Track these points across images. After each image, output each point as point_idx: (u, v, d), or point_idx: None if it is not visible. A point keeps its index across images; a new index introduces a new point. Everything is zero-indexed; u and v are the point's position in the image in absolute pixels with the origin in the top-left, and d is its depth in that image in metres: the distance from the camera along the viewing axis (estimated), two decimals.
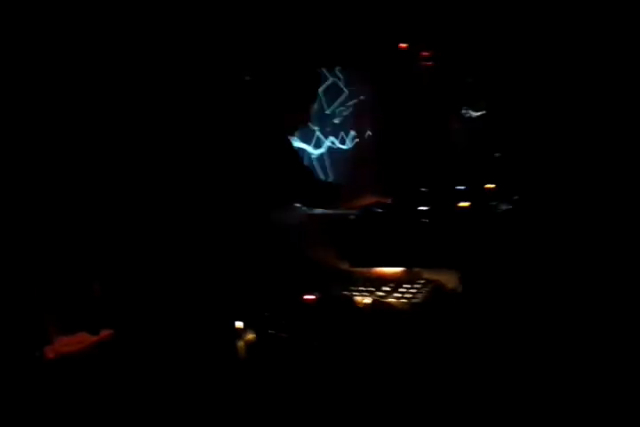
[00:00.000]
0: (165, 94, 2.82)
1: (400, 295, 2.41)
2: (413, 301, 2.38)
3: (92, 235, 2.57)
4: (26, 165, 2.39)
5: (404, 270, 2.56)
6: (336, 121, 3.88)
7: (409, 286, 2.50)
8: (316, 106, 3.25)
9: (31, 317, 2.27)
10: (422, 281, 2.56)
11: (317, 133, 3.62)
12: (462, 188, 2.83)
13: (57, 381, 2.17)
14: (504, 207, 2.64)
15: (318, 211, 2.66)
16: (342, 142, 3.78)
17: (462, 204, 2.69)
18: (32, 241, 2.36)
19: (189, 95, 2.82)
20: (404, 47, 4.24)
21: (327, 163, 3.50)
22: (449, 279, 2.52)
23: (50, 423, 2.04)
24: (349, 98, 3.91)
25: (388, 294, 2.44)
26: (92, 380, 2.18)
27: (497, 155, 3.04)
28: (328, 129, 3.74)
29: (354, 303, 2.34)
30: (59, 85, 2.48)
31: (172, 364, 2.18)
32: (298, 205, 2.63)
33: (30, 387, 2.10)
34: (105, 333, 2.35)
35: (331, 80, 3.90)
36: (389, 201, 2.79)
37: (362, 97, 3.90)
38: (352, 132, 3.84)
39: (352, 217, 2.64)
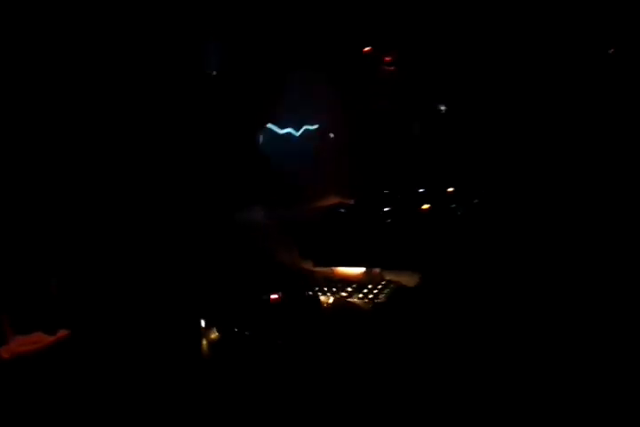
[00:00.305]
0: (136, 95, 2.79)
1: (363, 295, 2.45)
2: (376, 301, 2.43)
3: (50, 230, 2.52)
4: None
5: (366, 271, 2.60)
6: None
7: (371, 286, 2.56)
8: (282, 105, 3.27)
9: None
10: (384, 282, 2.62)
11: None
12: (423, 190, 2.91)
13: (12, 381, 2.12)
14: (463, 210, 2.73)
15: (281, 211, 2.68)
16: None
17: (423, 206, 2.76)
18: None
19: (158, 94, 2.80)
20: (367, 51, 4.29)
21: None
22: (410, 280, 2.58)
23: (3, 424, 1.99)
24: (312, 98, 3.95)
25: (351, 293, 2.49)
26: (48, 381, 2.14)
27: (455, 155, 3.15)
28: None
29: (318, 303, 2.37)
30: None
31: (132, 363, 2.15)
32: (261, 205, 2.65)
33: None
34: (62, 333, 2.31)
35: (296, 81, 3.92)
36: (352, 202, 2.84)
37: (324, 98, 3.95)
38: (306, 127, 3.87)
39: (315, 217, 2.67)
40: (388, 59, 4.55)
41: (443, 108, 3.92)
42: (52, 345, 2.29)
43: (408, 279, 2.59)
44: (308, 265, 2.56)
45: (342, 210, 2.78)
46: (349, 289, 2.52)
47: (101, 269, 2.51)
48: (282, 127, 3.43)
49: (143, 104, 2.73)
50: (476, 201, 2.76)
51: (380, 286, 2.57)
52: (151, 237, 2.44)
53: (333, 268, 2.57)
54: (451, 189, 2.85)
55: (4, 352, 2.23)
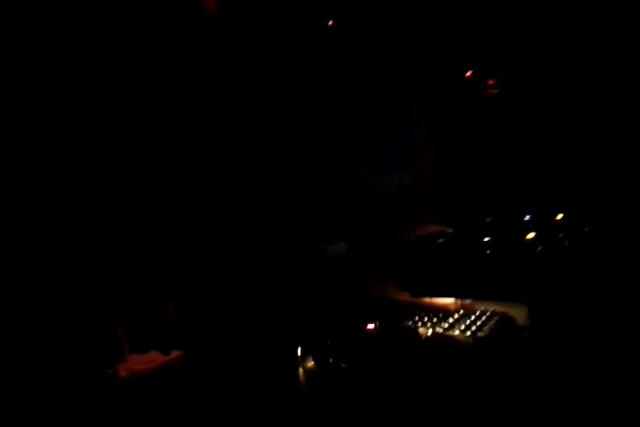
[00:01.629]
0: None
1: (464, 328, 2.36)
2: (478, 335, 2.32)
3: (170, 256, 2.68)
4: (86, 188, 2.52)
5: (466, 302, 2.51)
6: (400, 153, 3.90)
7: (473, 318, 2.45)
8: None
9: (105, 334, 2.38)
10: (487, 314, 2.50)
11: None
12: (528, 218, 2.76)
13: (128, 398, 2.25)
14: (573, 239, 2.55)
15: (381, 240, 2.67)
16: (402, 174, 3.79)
17: (529, 235, 2.62)
18: (107, 258, 2.49)
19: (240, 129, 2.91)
20: (469, 76, 4.22)
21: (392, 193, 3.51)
22: (516, 313, 2.44)
23: None
24: (412, 129, 3.94)
25: (452, 326, 2.40)
26: (161, 399, 2.25)
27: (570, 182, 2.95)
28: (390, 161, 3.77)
29: (416, 335, 2.31)
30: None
31: (235, 388, 2.22)
32: (361, 234, 2.67)
33: (102, 403, 2.19)
34: (175, 353, 2.44)
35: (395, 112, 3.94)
36: (451, 231, 2.76)
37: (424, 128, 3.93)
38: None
39: (414, 246, 2.63)
40: (491, 82, 4.45)
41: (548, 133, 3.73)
42: (165, 365, 2.42)
43: (515, 312, 2.46)
44: (405, 295, 2.52)
45: (441, 240, 2.71)
46: (450, 321, 2.43)
47: (214, 296, 2.64)
48: (383, 156, 3.47)
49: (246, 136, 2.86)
50: (587, 229, 2.56)
51: (483, 319, 2.46)
52: (257, 269, 2.53)
53: (429, 298, 2.50)
54: (559, 217, 2.68)
55: (122, 370, 2.38)
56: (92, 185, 2.45)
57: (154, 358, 2.41)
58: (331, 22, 3.53)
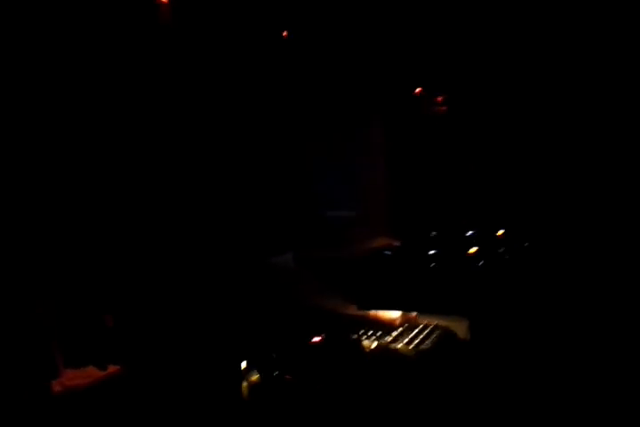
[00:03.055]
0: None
1: (407, 341, 2.39)
2: (421, 347, 2.36)
3: (107, 267, 2.61)
4: (44, 194, 2.45)
5: (411, 315, 2.55)
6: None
7: (416, 331, 2.49)
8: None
9: (40, 348, 2.29)
10: (430, 327, 2.55)
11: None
12: (472, 233, 2.84)
13: (63, 414, 2.16)
14: (513, 254, 2.64)
15: (327, 253, 2.69)
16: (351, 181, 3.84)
17: (471, 250, 2.70)
18: (43, 270, 2.40)
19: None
20: (418, 92, 4.34)
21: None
22: (458, 327, 2.50)
23: None
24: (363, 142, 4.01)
25: (395, 339, 2.43)
26: (97, 415, 2.18)
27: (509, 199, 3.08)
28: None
29: (360, 347, 2.33)
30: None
31: (176, 404, 2.17)
32: (306, 248, 2.67)
33: (37, 420, 2.11)
34: (113, 368, 2.36)
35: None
36: (398, 244, 2.81)
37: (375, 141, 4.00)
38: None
39: (360, 259, 2.66)
40: (439, 99, 4.59)
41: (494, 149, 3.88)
42: (102, 380, 2.33)
43: (456, 325, 2.51)
44: (351, 308, 2.54)
45: (388, 253, 2.76)
46: (395, 333, 2.46)
47: (154, 308, 2.57)
48: (328, 170, 3.50)
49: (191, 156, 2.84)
50: (527, 244, 2.67)
51: (426, 332, 2.50)
52: (200, 280, 2.49)
53: (374, 311, 2.52)
54: (501, 232, 2.78)
55: (57, 385, 2.29)
56: (19, 197, 2.37)
57: (90, 373, 2.33)
58: (285, 33, 3.56)
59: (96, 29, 2.59)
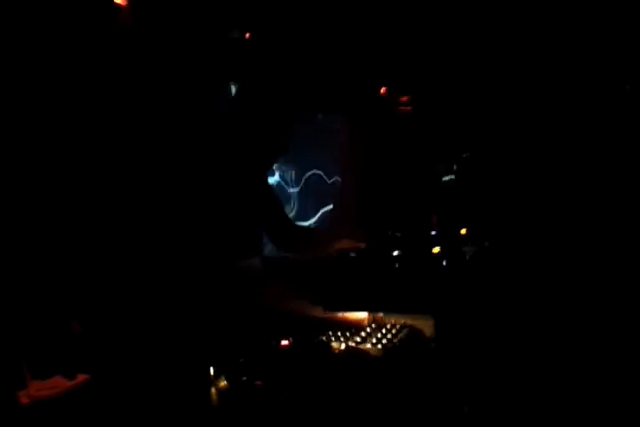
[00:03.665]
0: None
1: (375, 341, 2.43)
2: (389, 347, 2.40)
3: (72, 271, 2.58)
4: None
5: (378, 315, 2.59)
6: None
7: (384, 331, 2.53)
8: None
9: (4, 359, 2.26)
10: (398, 326, 2.60)
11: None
12: (435, 233, 2.90)
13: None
14: (474, 252, 2.71)
15: (292, 255, 2.71)
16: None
17: (434, 249, 2.75)
18: (6, 275, 2.36)
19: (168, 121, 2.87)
20: (383, 92, 4.39)
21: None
22: (424, 325, 2.55)
23: None
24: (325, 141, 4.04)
25: (364, 339, 2.47)
26: (67, 426, 2.16)
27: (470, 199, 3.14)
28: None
29: (329, 349, 2.36)
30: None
31: (145, 411, 2.17)
32: (270, 250, 2.69)
33: None
34: (81, 377, 2.34)
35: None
36: (363, 245, 2.84)
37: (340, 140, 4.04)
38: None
39: (325, 262, 2.69)
40: (404, 99, 4.65)
41: (462, 152, 3.95)
42: (70, 390, 2.31)
43: (422, 323, 2.56)
44: (318, 311, 2.57)
45: (352, 254, 2.79)
46: (362, 335, 2.50)
47: (120, 316, 2.56)
48: (288, 170, 3.52)
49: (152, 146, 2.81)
50: (487, 244, 2.74)
51: (394, 331, 2.55)
52: (164, 285, 2.49)
53: (342, 313, 2.56)
54: (463, 231, 2.84)
55: (24, 398, 2.25)
56: None
57: (58, 384, 2.30)
58: (248, 35, 3.56)
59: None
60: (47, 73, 2.55)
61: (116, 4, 2.70)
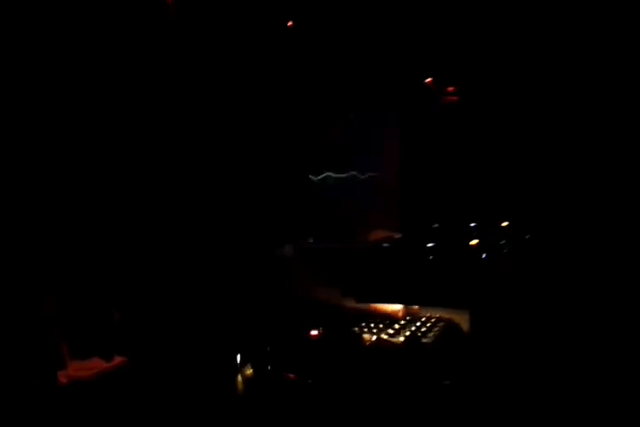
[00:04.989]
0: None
1: (409, 334, 2.36)
2: (423, 341, 2.33)
3: (114, 260, 2.64)
4: (50, 191, 2.48)
5: (413, 308, 2.52)
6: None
7: (418, 324, 2.46)
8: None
9: (46, 340, 2.32)
10: (433, 320, 2.52)
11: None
12: (474, 225, 2.79)
13: (68, 406, 2.20)
14: (514, 246, 2.58)
15: (327, 246, 2.67)
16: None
17: (472, 241, 2.65)
18: (50, 262, 2.44)
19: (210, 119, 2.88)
20: (429, 83, 4.26)
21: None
22: (461, 319, 2.46)
23: None
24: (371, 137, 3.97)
25: (397, 332, 2.40)
26: (102, 405, 2.21)
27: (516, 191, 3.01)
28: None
29: (359, 341, 2.31)
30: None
31: (174, 395, 2.19)
32: (303, 241, 2.66)
33: (42, 411, 2.14)
34: (118, 359, 2.39)
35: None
36: (399, 236, 2.77)
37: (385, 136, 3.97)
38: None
39: (359, 252, 2.63)
40: (450, 89, 4.50)
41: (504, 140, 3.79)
42: (107, 372, 2.36)
43: (459, 318, 2.47)
44: (350, 301, 2.52)
45: (386, 245, 2.72)
46: (396, 326, 2.44)
47: (157, 303, 2.60)
48: (330, 163, 3.47)
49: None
50: (528, 236, 2.60)
51: (428, 325, 2.47)
52: (200, 274, 2.50)
53: (374, 304, 2.50)
54: (505, 224, 2.72)
55: (62, 377, 2.32)
56: (33, 192, 2.40)
57: (95, 365, 2.36)
58: (290, 23, 3.53)
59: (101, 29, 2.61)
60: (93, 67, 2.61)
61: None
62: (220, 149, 2.78)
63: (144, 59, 2.71)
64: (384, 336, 2.36)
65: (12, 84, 2.32)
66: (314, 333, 2.27)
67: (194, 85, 2.87)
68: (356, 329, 2.41)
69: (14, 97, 2.32)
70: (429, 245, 2.65)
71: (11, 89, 2.31)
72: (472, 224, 2.81)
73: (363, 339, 2.34)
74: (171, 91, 2.81)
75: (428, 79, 4.28)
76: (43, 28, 2.40)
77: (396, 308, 2.53)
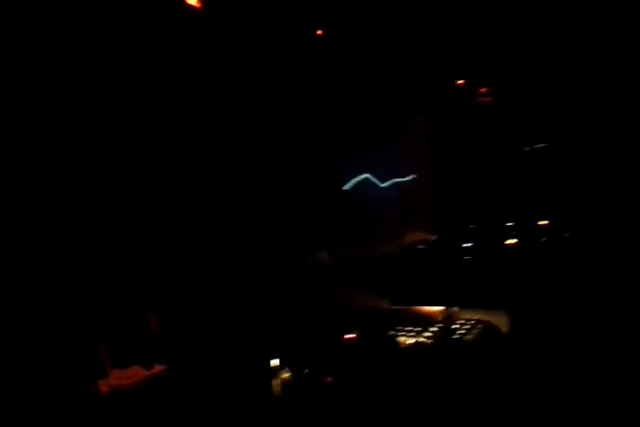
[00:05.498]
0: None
1: (446, 336, 2.31)
2: (461, 343, 2.28)
3: (152, 270, 2.67)
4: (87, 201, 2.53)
5: (445, 310, 2.46)
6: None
7: (457, 326, 2.41)
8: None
9: (87, 349, 2.36)
10: (472, 322, 2.46)
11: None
12: (511, 224, 2.72)
13: (109, 415, 2.22)
14: (553, 244, 2.50)
15: (363, 249, 2.64)
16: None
17: (510, 241, 2.57)
18: (91, 273, 2.48)
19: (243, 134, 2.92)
20: (461, 84, 4.21)
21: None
22: (500, 321, 2.39)
23: None
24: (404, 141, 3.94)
25: (435, 335, 2.35)
26: (143, 414, 2.22)
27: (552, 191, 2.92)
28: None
29: (397, 344, 2.27)
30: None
31: (213, 401, 2.19)
32: (340, 244, 2.64)
33: (84, 420, 2.17)
34: (158, 368, 2.41)
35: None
36: (434, 238, 2.72)
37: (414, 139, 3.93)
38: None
39: (394, 255, 2.59)
40: (483, 90, 4.43)
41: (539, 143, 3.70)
42: (147, 380, 2.38)
43: (498, 320, 2.41)
44: (386, 304, 2.48)
45: (422, 247, 2.67)
46: (434, 329, 2.39)
47: (195, 311, 2.61)
48: (367, 166, 3.46)
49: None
50: (567, 234, 2.52)
51: (467, 327, 2.41)
52: (236, 280, 2.51)
53: (412, 307, 2.45)
54: (544, 222, 2.64)
55: (103, 386, 2.35)
56: (68, 205, 2.46)
57: (136, 373, 2.38)
58: (320, 32, 3.55)
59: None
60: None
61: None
62: (255, 158, 2.81)
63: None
64: (421, 339, 2.31)
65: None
66: (350, 336, 2.24)
67: (229, 100, 2.91)
68: (394, 332, 2.37)
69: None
70: (466, 245, 2.59)
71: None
72: (509, 224, 2.74)
73: (400, 342, 2.30)
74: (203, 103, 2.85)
75: (460, 81, 4.24)
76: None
77: (435, 310, 2.47)
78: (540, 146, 3.46)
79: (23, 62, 2.41)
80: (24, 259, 2.31)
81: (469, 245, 2.62)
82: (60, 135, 2.45)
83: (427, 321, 2.39)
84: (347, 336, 2.23)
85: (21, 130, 2.36)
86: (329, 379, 2.04)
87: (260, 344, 2.26)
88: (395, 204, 3.29)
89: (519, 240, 2.59)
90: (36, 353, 2.25)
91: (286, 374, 2.06)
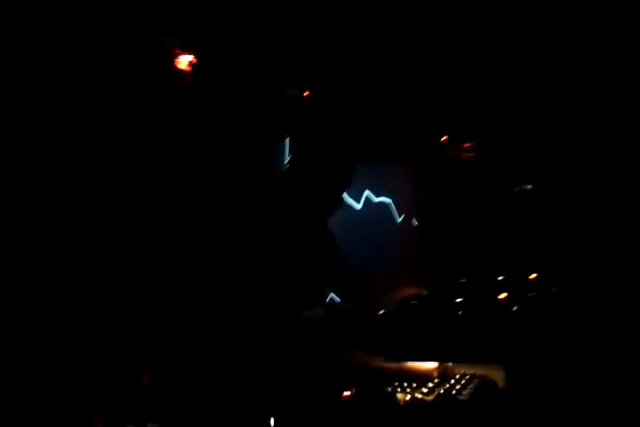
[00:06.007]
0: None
1: (444, 392, 2.32)
2: (459, 398, 2.28)
3: (144, 328, 2.67)
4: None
5: (439, 366, 2.48)
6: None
7: (453, 382, 2.42)
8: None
9: (77, 409, 2.33)
10: (467, 376, 2.47)
11: None
12: (502, 278, 2.79)
13: None
14: (543, 298, 2.56)
15: (352, 304, 2.68)
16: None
17: (501, 295, 2.64)
18: (79, 329, 2.47)
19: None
20: (445, 140, 4.39)
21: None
22: (496, 375, 2.41)
23: None
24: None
25: (431, 390, 2.36)
26: None
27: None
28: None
29: (393, 401, 2.27)
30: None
31: None
32: (329, 300, 2.67)
33: None
34: None
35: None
36: (425, 292, 2.77)
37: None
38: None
39: (384, 310, 2.63)
40: (466, 145, 4.62)
41: (527, 187, 3.85)
42: None
43: (494, 373, 2.43)
44: (379, 360, 2.49)
45: (414, 302, 2.72)
46: (430, 385, 2.39)
47: (188, 369, 2.60)
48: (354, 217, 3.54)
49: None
50: (555, 289, 2.59)
51: (463, 382, 2.42)
52: (228, 339, 2.52)
53: (405, 363, 2.47)
54: (533, 276, 2.71)
55: None
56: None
57: None
58: (306, 93, 3.69)
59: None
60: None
61: (180, 70, 2.91)
62: (248, 218, 2.85)
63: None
64: (418, 395, 2.32)
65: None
66: (346, 393, 2.24)
67: (232, 118, 2.95)
68: (389, 389, 2.37)
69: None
70: (458, 300, 2.65)
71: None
72: (499, 277, 2.81)
73: (396, 398, 2.30)
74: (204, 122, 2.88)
75: (444, 137, 4.42)
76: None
77: (430, 366, 2.49)
78: (527, 187, 3.60)
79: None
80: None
81: (461, 299, 2.68)
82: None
83: (422, 377, 2.40)
84: (343, 394, 2.23)
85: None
86: None
87: (254, 402, 2.25)
88: (385, 259, 3.37)
89: (509, 295, 2.66)
90: (24, 413, 2.23)
91: None
